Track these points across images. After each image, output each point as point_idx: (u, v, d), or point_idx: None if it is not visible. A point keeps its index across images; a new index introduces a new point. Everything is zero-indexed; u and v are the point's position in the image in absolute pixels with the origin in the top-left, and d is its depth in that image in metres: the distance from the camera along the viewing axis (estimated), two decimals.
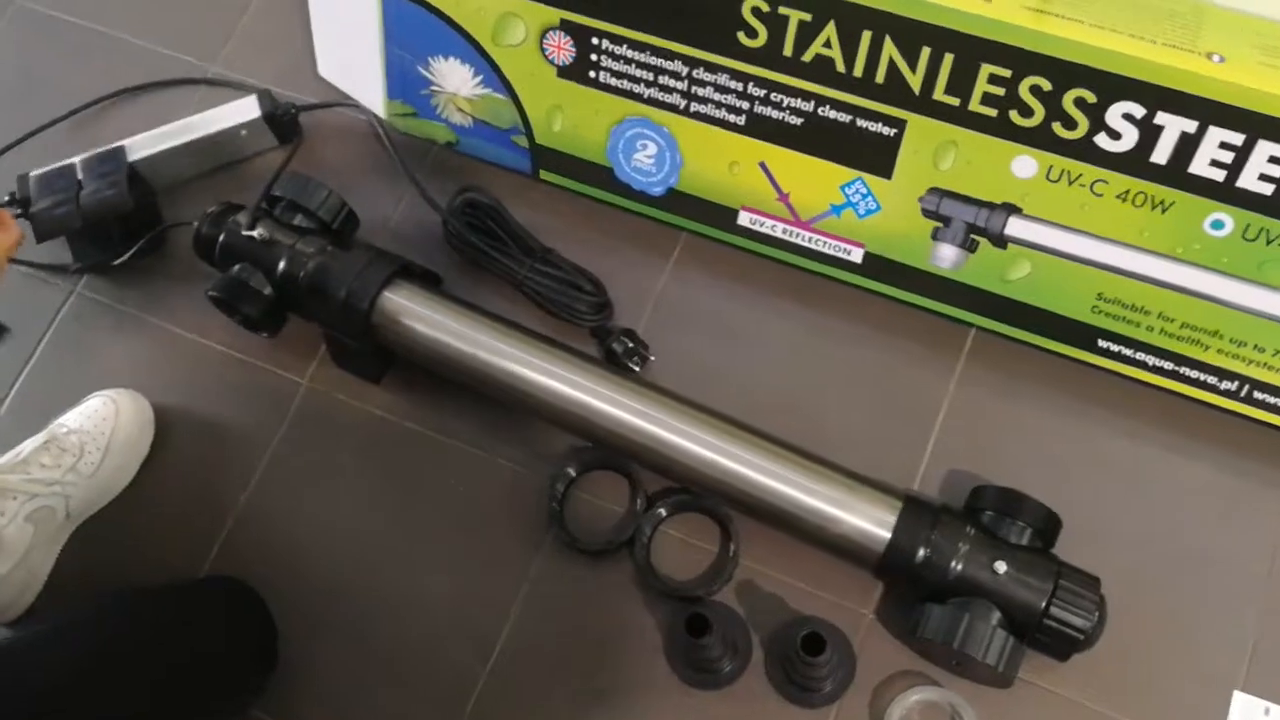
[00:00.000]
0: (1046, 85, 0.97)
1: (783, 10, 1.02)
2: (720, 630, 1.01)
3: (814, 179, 1.12)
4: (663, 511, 1.11)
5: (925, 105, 1.03)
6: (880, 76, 1.03)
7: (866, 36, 1.01)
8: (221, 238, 1.15)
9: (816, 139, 1.10)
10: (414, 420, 1.19)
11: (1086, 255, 1.06)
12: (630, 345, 1.16)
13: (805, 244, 1.17)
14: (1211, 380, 1.09)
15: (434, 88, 1.25)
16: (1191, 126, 0.94)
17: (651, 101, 1.15)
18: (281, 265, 1.12)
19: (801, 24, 1.03)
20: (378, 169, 1.28)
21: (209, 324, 1.22)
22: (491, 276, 1.21)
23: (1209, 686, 1.02)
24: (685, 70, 1.11)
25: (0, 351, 1.07)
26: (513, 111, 1.22)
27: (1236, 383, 1.08)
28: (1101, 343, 1.11)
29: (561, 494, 1.12)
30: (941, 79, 1.00)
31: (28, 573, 1.12)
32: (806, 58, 1.05)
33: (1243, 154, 0.94)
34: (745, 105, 1.10)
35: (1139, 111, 0.95)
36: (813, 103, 1.07)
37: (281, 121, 1.29)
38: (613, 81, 1.15)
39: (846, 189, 1.12)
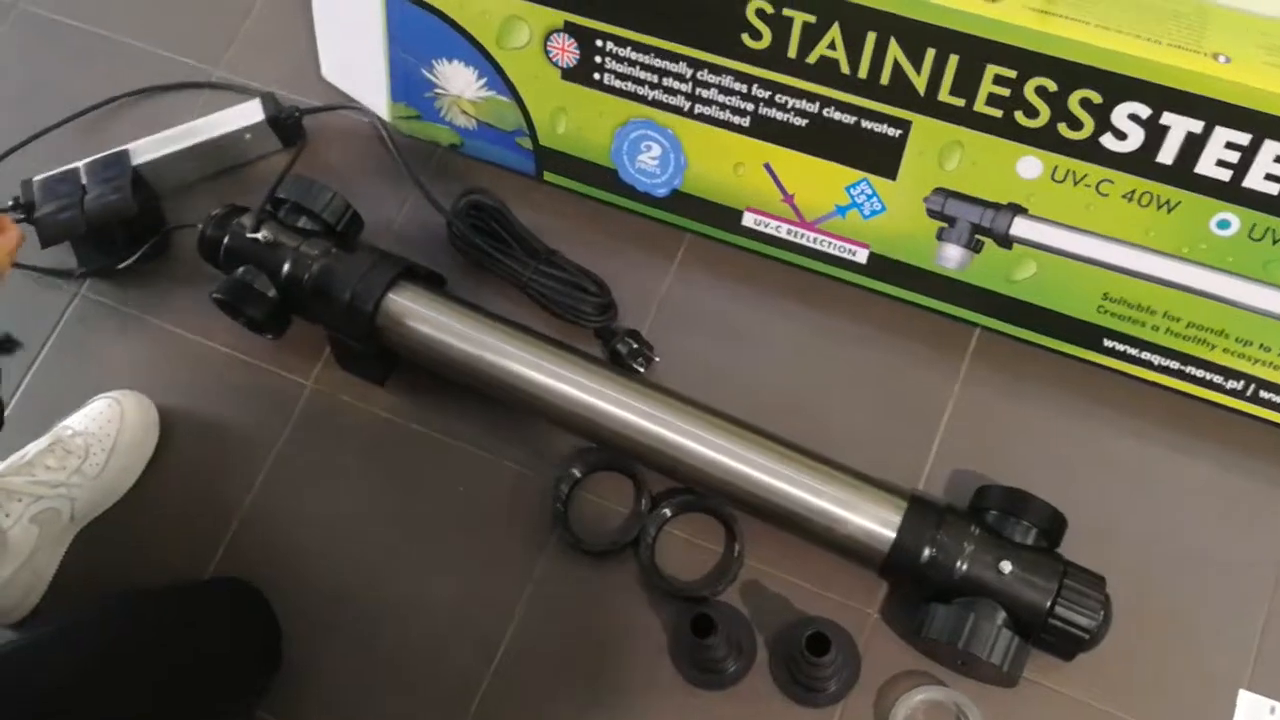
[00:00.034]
0: (1052, 86, 0.97)
1: (787, 12, 1.03)
2: (725, 630, 1.01)
3: (819, 180, 1.12)
4: (667, 512, 1.11)
5: (930, 106, 1.03)
6: (885, 78, 1.03)
7: (871, 38, 1.01)
8: (226, 240, 1.15)
9: (821, 140, 1.10)
10: (418, 422, 1.19)
11: (1092, 255, 1.06)
12: (635, 346, 1.16)
13: (810, 245, 1.17)
14: (1217, 380, 1.09)
15: (438, 90, 1.25)
16: (1198, 126, 0.94)
17: (656, 103, 1.15)
18: (286, 267, 1.12)
19: (806, 26, 1.03)
20: (382, 171, 1.28)
21: (213, 326, 1.22)
22: (496, 278, 1.21)
23: (1214, 685, 1.02)
24: (689, 72, 1.11)
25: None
26: (517, 114, 1.22)
27: (1242, 382, 1.08)
28: (1107, 342, 1.11)
29: (566, 495, 1.12)
30: (946, 80, 1.00)
31: (33, 574, 1.12)
32: (811, 59, 1.05)
33: (1249, 154, 0.94)
34: (750, 107, 1.11)
35: (1145, 112, 0.95)
36: (818, 104, 1.07)
37: (285, 124, 1.29)
38: (617, 83, 1.15)
39: (851, 190, 1.12)
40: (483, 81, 1.21)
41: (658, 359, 1.17)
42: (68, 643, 0.98)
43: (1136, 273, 1.05)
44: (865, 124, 1.07)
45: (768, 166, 1.14)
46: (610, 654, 1.09)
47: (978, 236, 1.09)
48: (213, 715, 1.03)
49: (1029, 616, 0.97)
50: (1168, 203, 1.00)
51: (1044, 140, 1.01)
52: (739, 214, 1.19)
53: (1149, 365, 1.11)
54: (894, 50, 1.01)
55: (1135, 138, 0.97)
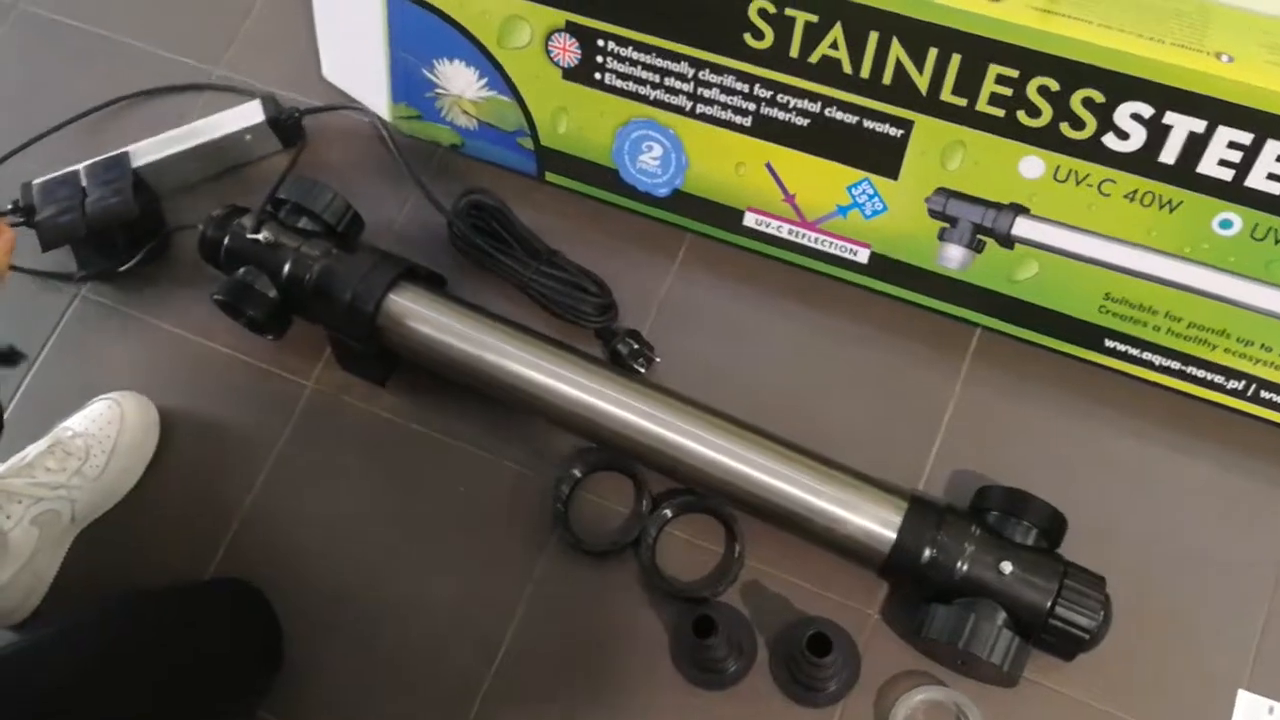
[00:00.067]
0: (1054, 85, 0.97)
1: (789, 11, 1.03)
2: (725, 631, 1.01)
3: (820, 180, 1.12)
4: (668, 512, 1.11)
5: (932, 106, 1.03)
6: (887, 77, 1.03)
7: (873, 37, 1.01)
8: (226, 241, 1.15)
9: (823, 140, 1.10)
10: (419, 422, 1.19)
11: (1094, 255, 1.06)
12: (635, 347, 1.16)
13: (811, 245, 1.17)
14: (1219, 380, 1.09)
15: (439, 90, 1.25)
16: (1200, 126, 0.94)
17: (657, 103, 1.15)
18: (286, 268, 1.12)
19: (808, 25, 1.03)
20: (382, 172, 1.27)
21: (214, 327, 1.22)
22: (496, 278, 1.21)
23: (1214, 686, 1.02)
24: (691, 72, 1.11)
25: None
26: (518, 114, 1.22)
27: (1244, 382, 1.08)
28: (1109, 342, 1.11)
29: (566, 495, 1.12)
30: (949, 80, 1.00)
31: (33, 576, 1.11)
32: (813, 59, 1.05)
33: (1251, 153, 0.94)
34: (751, 106, 1.10)
35: (1147, 111, 0.95)
36: (819, 104, 1.07)
37: (286, 125, 1.29)
38: (618, 83, 1.15)
39: (853, 190, 1.12)
40: (484, 81, 1.21)
41: (658, 359, 1.17)
42: (68, 643, 0.98)
43: (1138, 273, 1.05)
44: (867, 124, 1.07)
45: (769, 166, 1.14)
46: (611, 654, 1.09)
47: (979, 236, 1.09)
48: (213, 715, 1.03)
49: (1029, 617, 0.97)
50: (1170, 202, 1.00)
51: (1046, 140, 1.01)
52: (740, 214, 1.19)
53: (1150, 365, 1.11)
54: (896, 50, 1.01)
55: (1137, 137, 0.97)
